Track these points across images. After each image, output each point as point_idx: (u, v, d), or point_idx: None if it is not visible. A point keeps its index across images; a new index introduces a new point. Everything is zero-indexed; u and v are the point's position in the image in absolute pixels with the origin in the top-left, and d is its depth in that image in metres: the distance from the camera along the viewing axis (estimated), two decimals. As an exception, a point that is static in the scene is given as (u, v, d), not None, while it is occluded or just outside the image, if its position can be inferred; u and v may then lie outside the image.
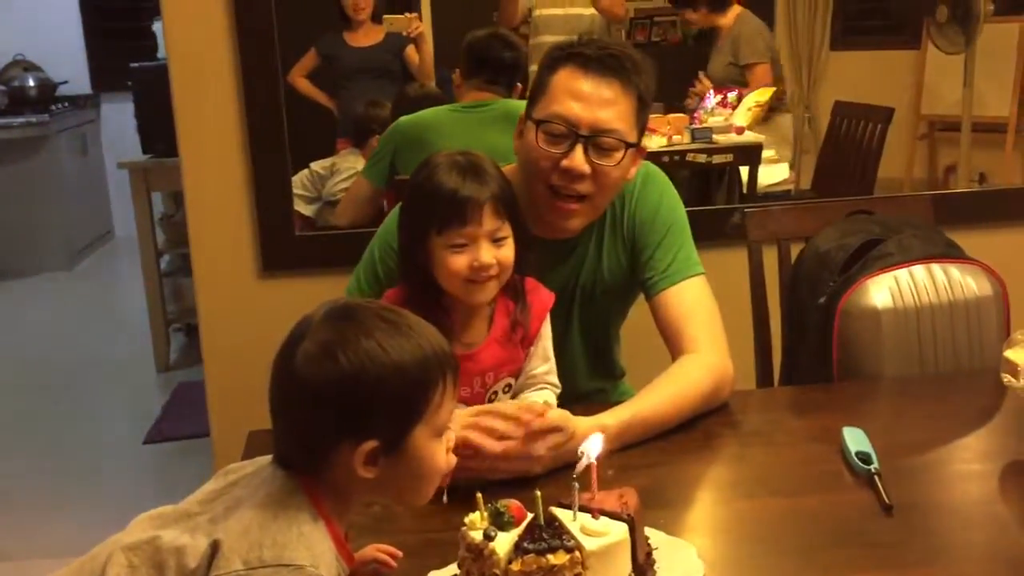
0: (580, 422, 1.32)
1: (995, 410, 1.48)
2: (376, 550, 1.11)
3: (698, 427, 1.46)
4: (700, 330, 1.53)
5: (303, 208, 2.65)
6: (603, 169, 1.49)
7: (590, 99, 1.48)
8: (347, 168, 2.76)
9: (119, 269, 6.26)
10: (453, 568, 1.07)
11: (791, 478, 1.32)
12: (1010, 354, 1.37)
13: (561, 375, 1.56)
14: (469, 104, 2.40)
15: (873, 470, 1.27)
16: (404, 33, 3.03)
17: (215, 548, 0.92)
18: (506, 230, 1.40)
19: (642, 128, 1.54)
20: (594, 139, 1.48)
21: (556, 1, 3.48)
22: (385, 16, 3.04)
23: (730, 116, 3.51)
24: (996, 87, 3.57)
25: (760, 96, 3.70)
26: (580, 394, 1.67)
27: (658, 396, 1.45)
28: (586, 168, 1.48)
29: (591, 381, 1.73)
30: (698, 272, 1.60)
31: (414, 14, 3.08)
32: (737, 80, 3.47)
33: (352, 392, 0.93)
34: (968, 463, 1.38)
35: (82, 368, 4.25)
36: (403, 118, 2.42)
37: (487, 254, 1.38)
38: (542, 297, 1.50)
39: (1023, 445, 1.36)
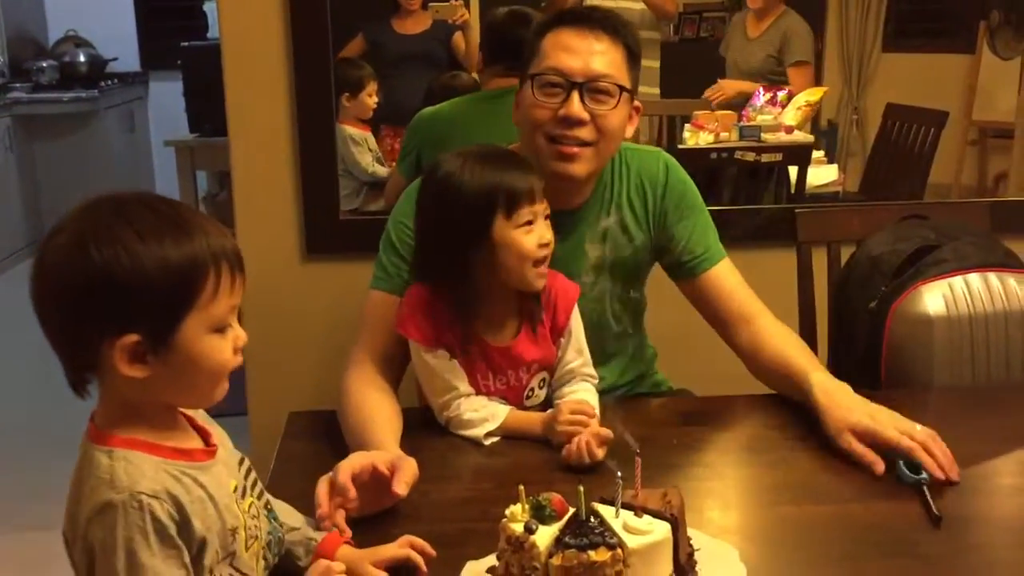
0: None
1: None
2: (409, 544, 1.09)
3: (743, 430, 1.45)
4: (754, 300, 1.61)
5: (349, 203, 2.63)
6: (601, 113, 1.51)
7: (581, 50, 1.51)
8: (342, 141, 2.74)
9: (162, 246, 6.33)
10: (491, 560, 1.06)
11: (837, 485, 1.30)
12: (1068, 367, 1.34)
13: (591, 345, 1.55)
14: (490, 93, 2.36)
15: (923, 480, 1.24)
16: (450, 21, 3.01)
17: (65, 540, 0.93)
18: (547, 207, 1.43)
19: (634, 82, 1.57)
20: (589, 84, 1.50)
21: (607, -6, 3.45)
22: (431, 3, 3.03)
23: (779, 115, 3.46)
24: (1050, 94, 3.50)
25: (811, 96, 3.64)
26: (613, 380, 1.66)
27: (802, 353, 1.54)
28: (584, 114, 1.50)
29: (621, 351, 1.71)
30: (725, 254, 1.67)
31: (460, 1, 3.06)
32: (774, 74, 3.40)
33: (105, 284, 0.89)
34: (1020, 477, 1.35)
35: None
36: (424, 111, 2.40)
37: (549, 233, 1.42)
38: (567, 288, 1.50)
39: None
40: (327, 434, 1.45)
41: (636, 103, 1.59)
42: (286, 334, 2.18)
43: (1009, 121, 3.50)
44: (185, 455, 0.95)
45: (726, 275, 1.63)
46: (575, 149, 1.52)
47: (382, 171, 2.78)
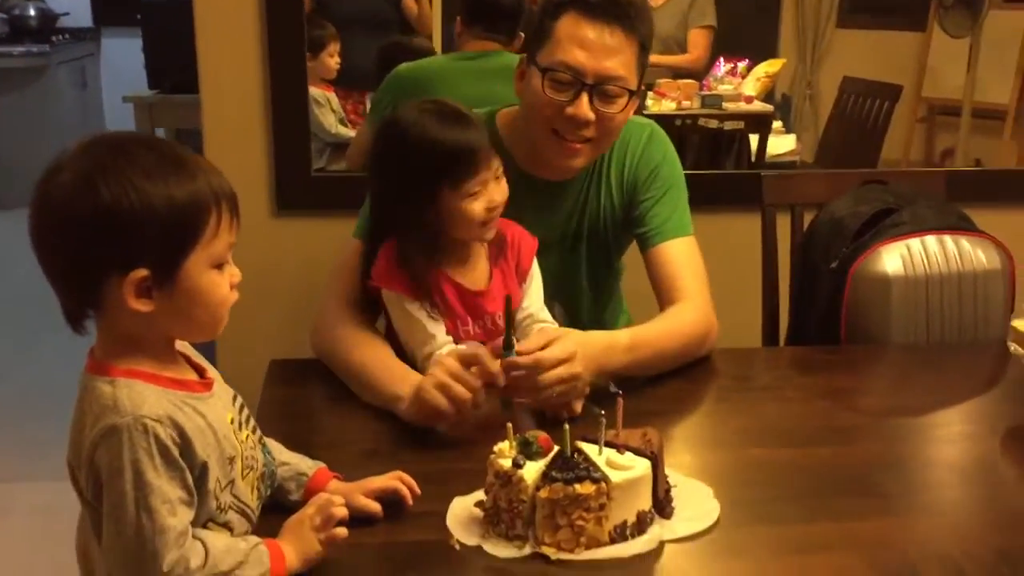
0: (579, 336, 1.36)
1: (999, 378, 1.53)
2: (397, 479, 1.13)
3: (709, 381, 1.51)
4: (691, 283, 1.59)
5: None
6: (607, 115, 1.53)
7: (595, 47, 1.50)
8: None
9: (114, 206, 6.24)
10: (478, 495, 1.11)
11: (802, 430, 1.37)
12: (1018, 323, 1.42)
13: (567, 310, 1.60)
14: (470, 54, 2.38)
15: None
16: (400, -19, 3.01)
17: (70, 467, 0.96)
18: (500, 164, 1.45)
19: (642, 72, 1.57)
20: (599, 88, 1.51)
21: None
22: (380, -37, 3.02)
23: (739, 85, 3.53)
24: (998, 74, 3.58)
25: (770, 67, 3.71)
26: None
27: (659, 325, 1.53)
28: (591, 116, 1.52)
29: (595, 318, 1.76)
30: (690, 232, 1.65)
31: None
32: (677, 41, 3.44)
33: (114, 222, 0.91)
34: (970, 425, 1.43)
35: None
36: (402, 66, 2.40)
37: (499, 194, 1.43)
38: (526, 235, 1.55)
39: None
40: (306, 380, 1.48)
41: (642, 86, 1.58)
42: (256, 286, 2.18)
43: (957, 98, 3.60)
44: (184, 386, 0.98)
45: (675, 253, 1.62)
46: (577, 146, 1.55)
47: (346, 132, 2.79)
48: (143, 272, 0.92)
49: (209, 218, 0.94)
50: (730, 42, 3.53)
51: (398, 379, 1.38)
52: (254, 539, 0.98)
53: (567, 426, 1.07)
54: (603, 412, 1.10)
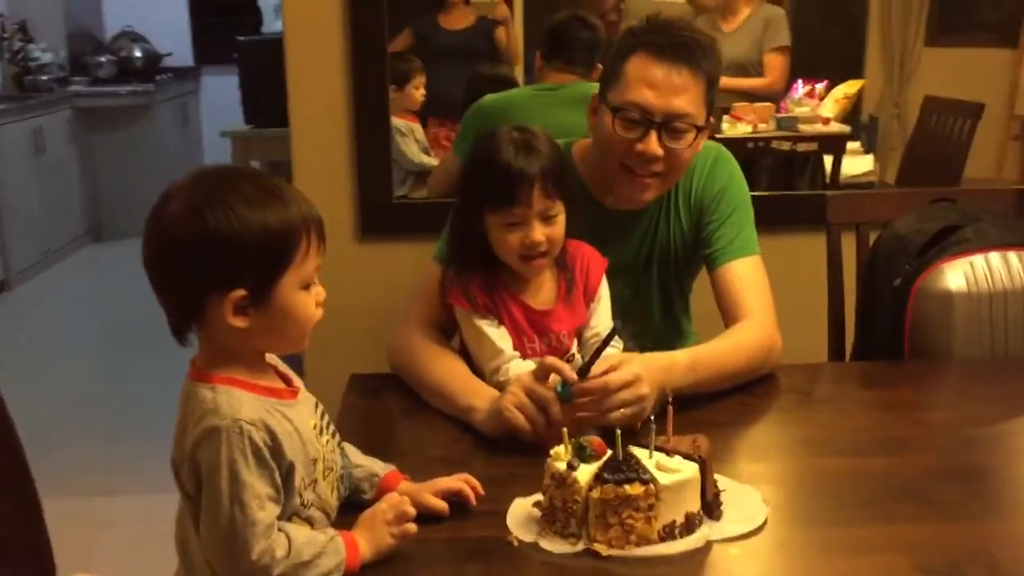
0: (645, 360, 1.40)
1: (1062, 392, 1.53)
2: (462, 481, 1.21)
3: (769, 394, 1.55)
4: (754, 301, 1.62)
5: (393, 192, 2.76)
6: (675, 151, 1.58)
7: (663, 86, 1.55)
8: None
9: (212, 236, 6.53)
10: (537, 496, 1.18)
11: (858, 441, 1.40)
12: (1079, 338, 1.43)
13: (633, 338, 1.66)
14: (549, 85, 2.49)
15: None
16: (490, 16, 3.14)
17: (173, 463, 1.05)
18: (557, 207, 1.49)
19: (710, 107, 1.62)
20: (667, 125, 1.57)
21: (647, -12, 3.54)
22: (471, 0, 3.16)
23: (817, 107, 3.54)
24: (1094, 90, 3.51)
25: (849, 88, 3.71)
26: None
27: (720, 343, 1.56)
28: (659, 152, 1.57)
29: (664, 345, 1.81)
30: (756, 252, 1.69)
31: (501, -1, 3.19)
32: (751, 64, 3.45)
33: (218, 246, 1.00)
34: (1027, 438, 1.44)
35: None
36: (486, 97, 2.52)
37: (538, 233, 1.48)
38: (596, 256, 1.60)
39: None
40: (384, 393, 1.58)
41: (711, 120, 1.63)
42: (340, 306, 2.30)
43: (1052, 115, 3.52)
44: (274, 393, 1.08)
45: (740, 273, 1.65)
46: (647, 181, 1.62)
47: (429, 161, 2.91)
48: (241, 292, 1.02)
49: (300, 243, 1.05)
50: (815, 64, 3.55)
51: (471, 392, 1.46)
52: (332, 531, 1.07)
53: (619, 431, 1.14)
54: (653, 419, 1.16)
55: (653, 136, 1.57)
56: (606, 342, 1.39)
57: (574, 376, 1.34)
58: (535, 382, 1.36)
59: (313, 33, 2.28)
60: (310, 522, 1.09)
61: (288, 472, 1.04)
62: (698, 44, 1.58)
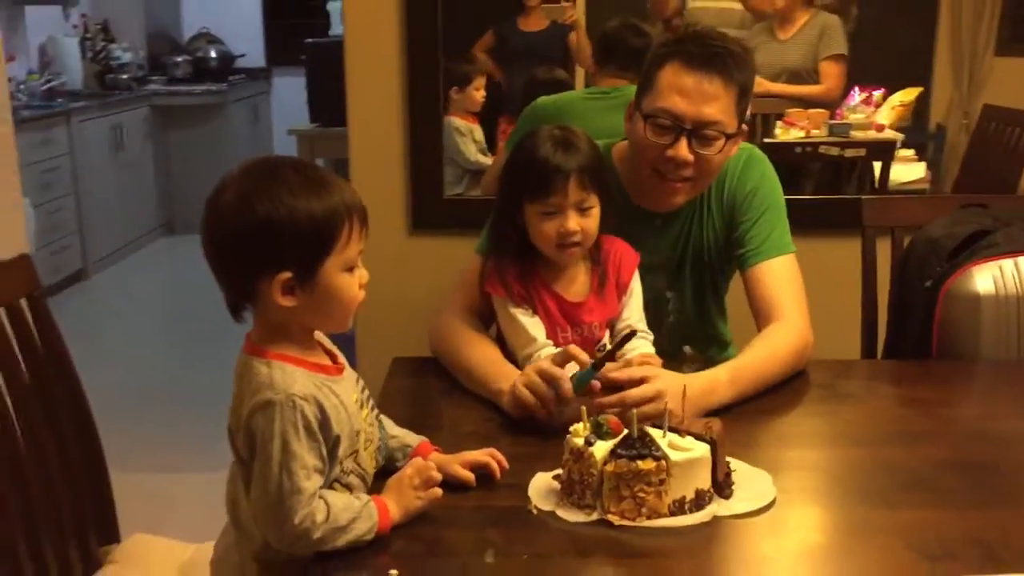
0: (673, 379, 1.43)
1: (1083, 394, 1.56)
2: (489, 455, 1.29)
3: (789, 386, 1.60)
4: (787, 301, 1.66)
5: (451, 189, 2.86)
6: (705, 157, 1.64)
7: (694, 95, 1.61)
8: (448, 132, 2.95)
9: (280, 231, 6.74)
10: (557, 470, 1.26)
11: (875, 433, 1.46)
12: (1099, 340, 1.46)
13: (669, 336, 1.73)
14: (602, 89, 2.57)
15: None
16: (559, 20, 3.24)
17: (229, 435, 1.15)
18: (592, 200, 1.58)
19: (742, 114, 1.67)
20: (697, 132, 1.63)
21: (709, -6, 3.59)
22: (543, 5, 3.26)
23: (872, 114, 3.55)
24: None
25: (906, 96, 3.70)
26: (685, 353, 1.82)
27: (756, 352, 1.60)
28: (690, 157, 1.64)
29: (696, 344, 1.88)
30: (790, 250, 1.73)
31: (569, 2, 3.28)
32: (807, 72, 3.46)
33: (266, 232, 1.09)
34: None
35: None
36: (541, 99, 2.61)
37: (573, 222, 1.56)
38: (629, 251, 1.68)
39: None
40: (424, 374, 1.68)
41: (743, 127, 1.69)
42: (391, 295, 2.42)
43: (1123, 127, 3.46)
44: (322, 369, 1.18)
45: (771, 272, 1.69)
46: (678, 185, 1.68)
47: (485, 160, 3.01)
48: (288, 274, 1.12)
49: (342, 228, 1.14)
50: (881, 71, 3.55)
51: (502, 376, 1.54)
52: (365, 497, 1.16)
53: (634, 411, 1.21)
54: (668, 401, 1.24)
55: (683, 142, 1.63)
56: (623, 342, 1.45)
57: (585, 359, 1.41)
58: (551, 365, 1.44)
59: (371, 36, 2.40)
60: (349, 488, 1.18)
61: (334, 444, 1.14)
62: (730, 54, 1.63)
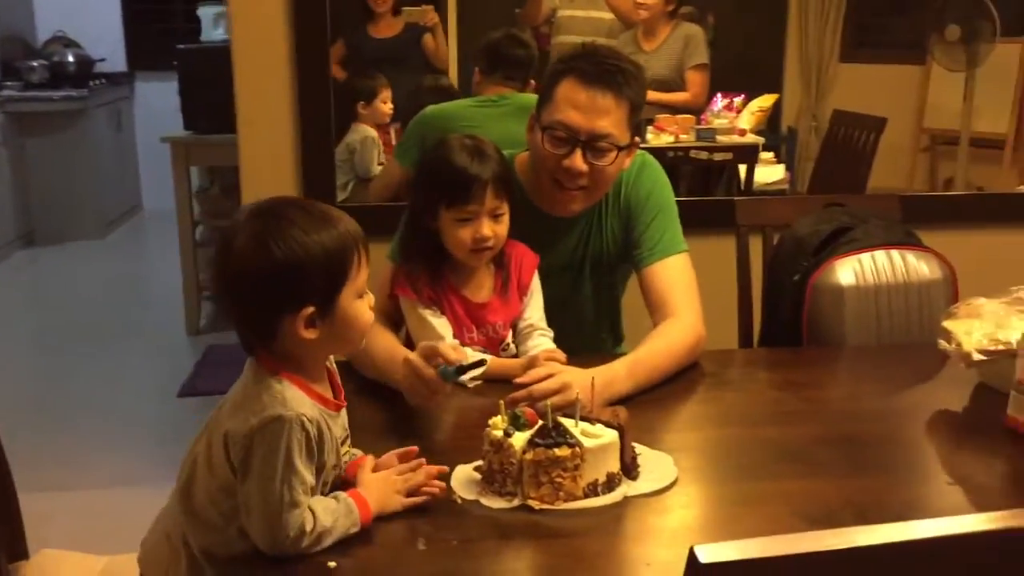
0: (577, 373, 1.53)
1: (934, 372, 1.75)
2: (399, 455, 1.31)
3: (681, 376, 1.73)
4: (680, 298, 1.78)
5: (337, 195, 2.90)
6: (598, 167, 1.76)
7: (587, 109, 1.72)
8: (359, 139, 3.02)
9: (147, 241, 6.55)
10: (477, 462, 1.34)
11: (755, 414, 1.60)
12: (947, 324, 1.65)
13: (569, 330, 1.84)
14: (489, 98, 2.67)
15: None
16: (421, 23, 3.31)
17: (226, 437, 1.17)
18: (504, 207, 1.68)
19: (635, 128, 1.79)
20: (591, 144, 1.74)
21: (578, 4, 3.74)
22: (404, 8, 3.33)
23: (734, 119, 3.78)
24: (996, 104, 3.74)
25: (763, 102, 3.96)
26: (584, 348, 1.93)
27: (652, 347, 1.71)
28: (584, 168, 1.75)
29: (595, 339, 1.99)
30: (682, 249, 1.85)
31: (430, 6, 3.36)
32: (673, 81, 3.60)
33: (287, 271, 1.14)
34: (900, 408, 1.66)
35: (116, 329, 4.54)
36: (430, 107, 2.69)
37: (487, 228, 1.66)
38: (528, 254, 1.78)
39: (951, 396, 1.63)
40: (348, 377, 1.71)
41: (636, 139, 1.79)
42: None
43: (957, 129, 3.76)
44: (325, 402, 1.22)
45: (665, 272, 1.80)
46: (574, 193, 1.79)
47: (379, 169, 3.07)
48: (311, 308, 1.17)
49: (353, 257, 1.19)
50: (737, 78, 3.76)
51: (399, 363, 1.56)
52: (341, 494, 1.21)
53: (548, 402, 1.31)
54: (578, 392, 1.34)
55: (578, 153, 1.74)
56: (475, 365, 1.49)
57: (453, 358, 1.46)
58: (422, 364, 1.48)
59: (259, 42, 2.42)
60: None
61: (320, 468, 1.20)
62: (621, 71, 1.74)
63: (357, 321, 1.22)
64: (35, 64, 6.17)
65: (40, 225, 6.13)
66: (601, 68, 1.73)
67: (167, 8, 6.71)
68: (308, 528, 1.14)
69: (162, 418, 3.52)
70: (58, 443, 3.38)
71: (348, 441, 1.32)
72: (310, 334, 1.18)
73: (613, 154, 1.75)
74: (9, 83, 6.06)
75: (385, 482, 1.25)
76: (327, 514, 1.17)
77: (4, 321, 4.92)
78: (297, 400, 1.17)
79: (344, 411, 1.29)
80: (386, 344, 1.68)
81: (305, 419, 1.15)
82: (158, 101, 5.99)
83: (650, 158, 1.93)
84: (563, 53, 1.83)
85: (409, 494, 1.25)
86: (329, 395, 1.25)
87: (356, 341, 1.25)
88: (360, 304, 1.22)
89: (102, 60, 6.57)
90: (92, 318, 4.71)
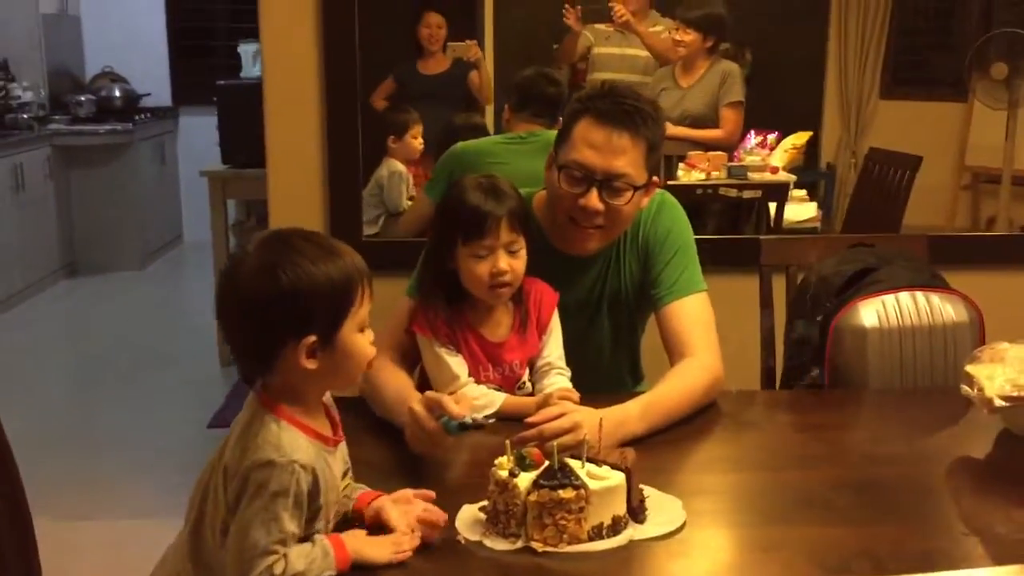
0: (588, 413, 1.51)
1: (958, 417, 1.70)
2: (416, 496, 1.31)
3: (698, 417, 1.70)
4: (698, 338, 1.76)
5: (368, 229, 2.92)
6: (614, 207, 1.75)
7: (604, 149, 1.72)
8: (387, 175, 3.05)
9: (186, 272, 6.65)
10: (483, 502, 1.33)
11: (773, 458, 1.57)
12: (970, 368, 1.61)
13: (586, 369, 1.82)
14: (518, 135, 2.68)
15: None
16: (465, 58, 3.35)
17: (224, 471, 1.18)
18: (520, 243, 1.68)
19: (652, 168, 1.78)
20: (607, 183, 1.74)
21: (613, 42, 3.75)
22: (448, 44, 3.37)
23: (767, 156, 3.75)
24: (1039, 142, 3.70)
25: (797, 140, 3.93)
26: (601, 387, 1.91)
27: (667, 387, 1.69)
28: (600, 207, 1.75)
29: (613, 378, 1.98)
30: (700, 289, 1.84)
31: (474, 41, 3.40)
32: (708, 118, 3.58)
33: (292, 299, 1.15)
34: (921, 453, 1.62)
35: (152, 359, 4.60)
36: (460, 144, 2.71)
37: (503, 262, 1.66)
38: (548, 291, 1.77)
39: (973, 442, 1.59)
40: (358, 413, 1.71)
41: (654, 179, 1.79)
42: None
43: (999, 167, 3.72)
44: (322, 439, 1.23)
45: (685, 311, 1.79)
46: (590, 231, 1.79)
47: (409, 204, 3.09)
48: (313, 338, 1.17)
49: (357, 291, 1.20)
50: (772, 115, 3.74)
51: (406, 408, 1.54)
52: (318, 537, 1.20)
53: (555, 443, 1.30)
54: (585, 434, 1.32)
55: (594, 193, 1.74)
56: (478, 425, 1.49)
57: (456, 412, 1.44)
58: (425, 416, 1.47)
59: (290, 79, 2.47)
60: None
61: (316, 511, 1.19)
62: (639, 111, 1.74)
63: (357, 354, 1.22)
64: (83, 99, 6.33)
65: (82, 256, 6.25)
66: (619, 108, 1.74)
67: (211, 44, 6.86)
68: (278, 572, 1.13)
69: (191, 449, 3.54)
70: (87, 472, 3.42)
71: (349, 473, 1.31)
72: (311, 364, 1.18)
73: (629, 193, 1.75)
74: (57, 117, 6.22)
75: (389, 539, 1.23)
76: (300, 559, 1.16)
77: (43, 350, 5.01)
78: (293, 445, 1.17)
79: (343, 445, 1.28)
80: (397, 385, 1.68)
81: (298, 466, 1.15)
82: (200, 135, 6.11)
83: (669, 197, 1.92)
84: (581, 92, 1.83)
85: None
86: (327, 430, 1.25)
87: (354, 375, 1.25)
88: (361, 338, 1.23)
89: (147, 95, 6.73)
90: (128, 348, 4.78)
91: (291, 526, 1.15)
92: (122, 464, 3.44)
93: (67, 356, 5.01)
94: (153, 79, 6.84)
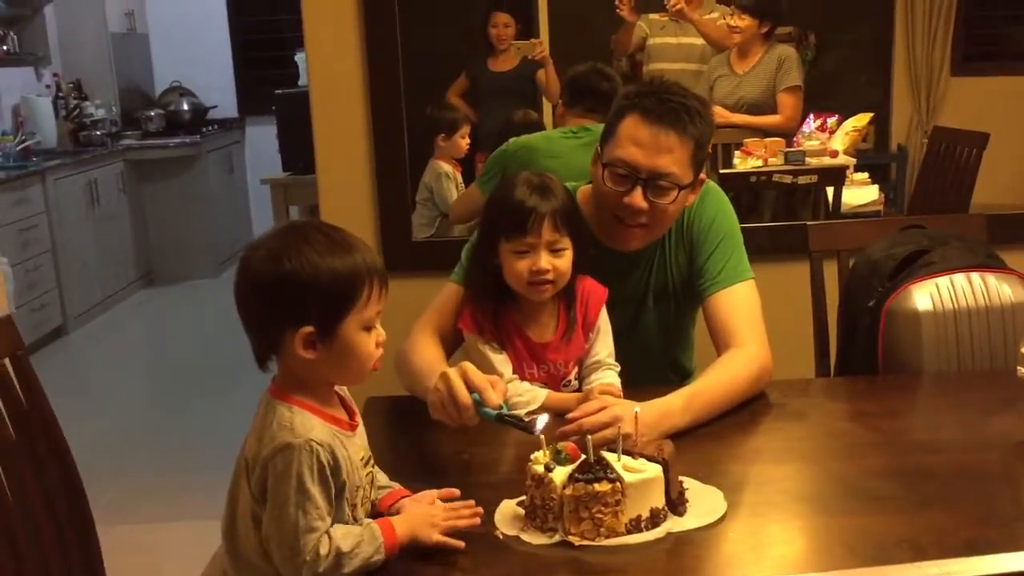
0: (629, 407, 1.49)
1: (1016, 401, 1.65)
2: (439, 496, 1.31)
3: (744, 408, 1.68)
4: (744, 328, 1.74)
5: (425, 231, 2.95)
6: (659, 206, 1.74)
7: (649, 146, 1.70)
8: (434, 177, 3.07)
9: (258, 278, 6.80)
10: (522, 497, 1.34)
11: (819, 448, 1.55)
12: (1026, 350, 1.55)
13: (632, 362, 1.82)
14: (571, 129, 2.68)
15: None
16: (530, 56, 3.37)
17: (246, 464, 1.21)
18: (565, 243, 1.67)
19: (699, 166, 1.76)
20: (652, 182, 1.72)
21: (668, 31, 3.72)
22: (513, 42, 3.40)
23: (827, 140, 3.67)
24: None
25: (858, 122, 3.84)
26: (648, 380, 1.90)
27: (712, 379, 1.68)
28: (644, 205, 1.73)
29: (659, 371, 1.96)
30: (746, 277, 1.81)
31: (538, 39, 3.41)
32: (765, 103, 3.54)
33: (290, 286, 1.16)
34: (974, 440, 1.57)
35: (225, 365, 4.69)
36: (514, 139, 2.73)
37: (544, 261, 1.65)
38: (596, 289, 1.76)
39: (1030, 428, 1.54)
40: (398, 413, 1.75)
41: (701, 176, 1.77)
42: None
43: (1082, 143, 3.57)
44: (337, 423, 1.25)
45: (731, 300, 1.77)
46: (634, 230, 1.78)
47: (462, 205, 3.12)
48: (310, 328, 1.19)
49: (363, 289, 1.21)
50: (836, 98, 3.66)
51: (435, 376, 1.53)
52: (368, 521, 1.23)
53: (590, 437, 1.30)
54: (622, 426, 1.32)
55: (638, 191, 1.72)
56: (519, 422, 1.42)
57: (493, 400, 1.42)
58: (461, 389, 1.44)
59: (336, 84, 2.51)
60: None
61: (340, 489, 1.21)
62: (686, 109, 1.72)
63: (358, 351, 1.22)
64: (152, 113, 6.53)
65: (158, 266, 6.45)
66: (666, 106, 1.71)
67: (274, 55, 7.00)
68: (324, 552, 1.16)
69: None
70: (161, 477, 3.53)
71: (371, 462, 1.32)
72: (308, 354, 1.20)
73: (674, 192, 1.73)
74: (128, 132, 6.42)
75: (423, 512, 1.26)
76: (347, 538, 1.18)
77: (123, 357, 5.19)
78: (306, 425, 1.19)
79: (362, 431, 1.30)
80: (430, 356, 1.70)
81: (315, 443, 1.17)
82: (265, 144, 6.23)
83: (713, 185, 1.90)
84: (628, 88, 1.81)
85: (447, 534, 1.25)
86: (342, 415, 1.27)
87: (355, 372, 1.25)
88: (365, 337, 1.23)
89: (214, 107, 6.90)
90: (203, 355, 4.91)
91: (323, 501, 1.17)
92: (200, 469, 3.54)
93: (146, 365, 5.18)
94: (219, 91, 7.01)
